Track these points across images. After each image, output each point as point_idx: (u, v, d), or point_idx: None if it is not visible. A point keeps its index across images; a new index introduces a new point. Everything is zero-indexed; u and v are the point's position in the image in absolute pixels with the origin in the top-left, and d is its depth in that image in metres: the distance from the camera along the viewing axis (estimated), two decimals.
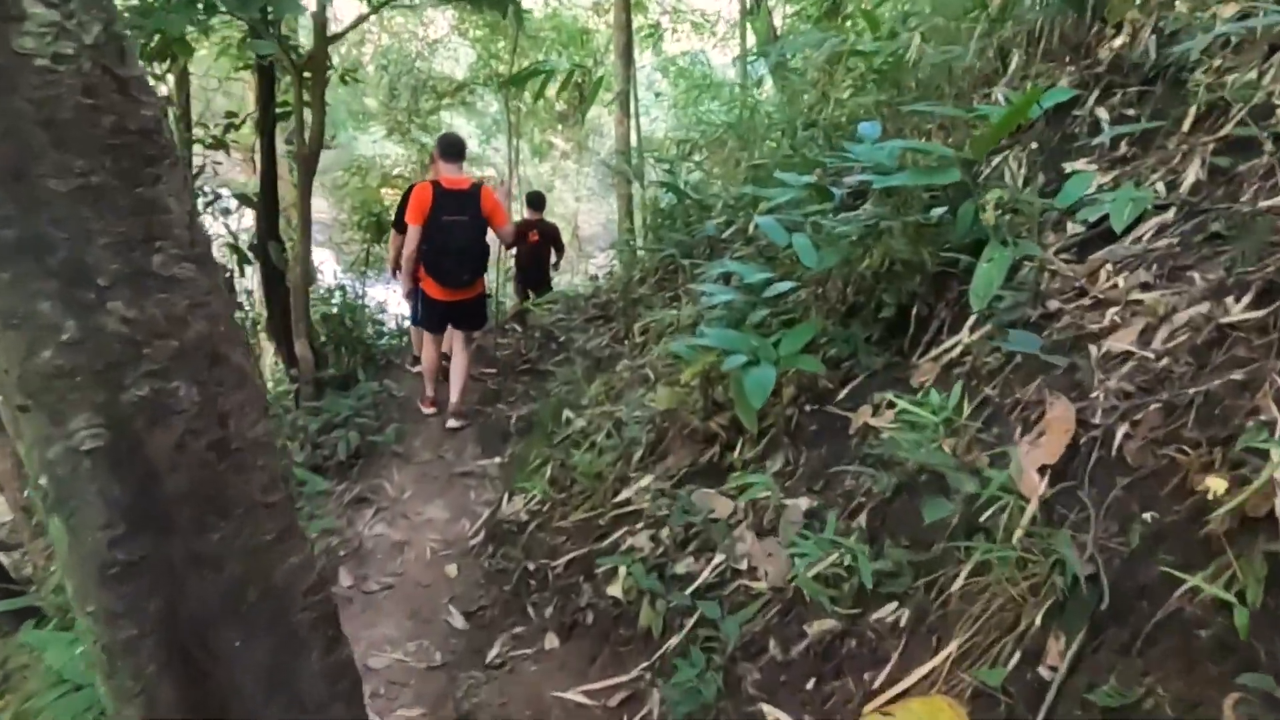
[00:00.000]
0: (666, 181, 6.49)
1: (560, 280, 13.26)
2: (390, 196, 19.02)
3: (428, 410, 6.10)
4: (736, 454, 3.57)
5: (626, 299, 6.38)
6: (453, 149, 5.70)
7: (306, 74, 6.13)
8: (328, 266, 12.31)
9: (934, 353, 3.16)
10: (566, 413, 4.94)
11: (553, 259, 8.95)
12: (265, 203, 7.07)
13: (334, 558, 4.24)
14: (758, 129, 6.70)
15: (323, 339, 7.73)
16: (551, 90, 18.85)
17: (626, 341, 6.01)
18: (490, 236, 5.78)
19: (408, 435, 5.72)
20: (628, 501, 3.69)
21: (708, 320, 3.87)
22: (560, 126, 17.18)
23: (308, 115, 6.19)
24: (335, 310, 7.57)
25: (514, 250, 8.68)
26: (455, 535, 4.53)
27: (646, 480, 3.72)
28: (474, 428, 5.79)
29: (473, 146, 20.60)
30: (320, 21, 6.14)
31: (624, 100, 13.79)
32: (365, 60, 15.38)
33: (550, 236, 8.78)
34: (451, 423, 5.85)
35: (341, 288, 10.06)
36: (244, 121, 7.21)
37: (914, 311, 3.30)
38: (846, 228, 3.46)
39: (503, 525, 4.23)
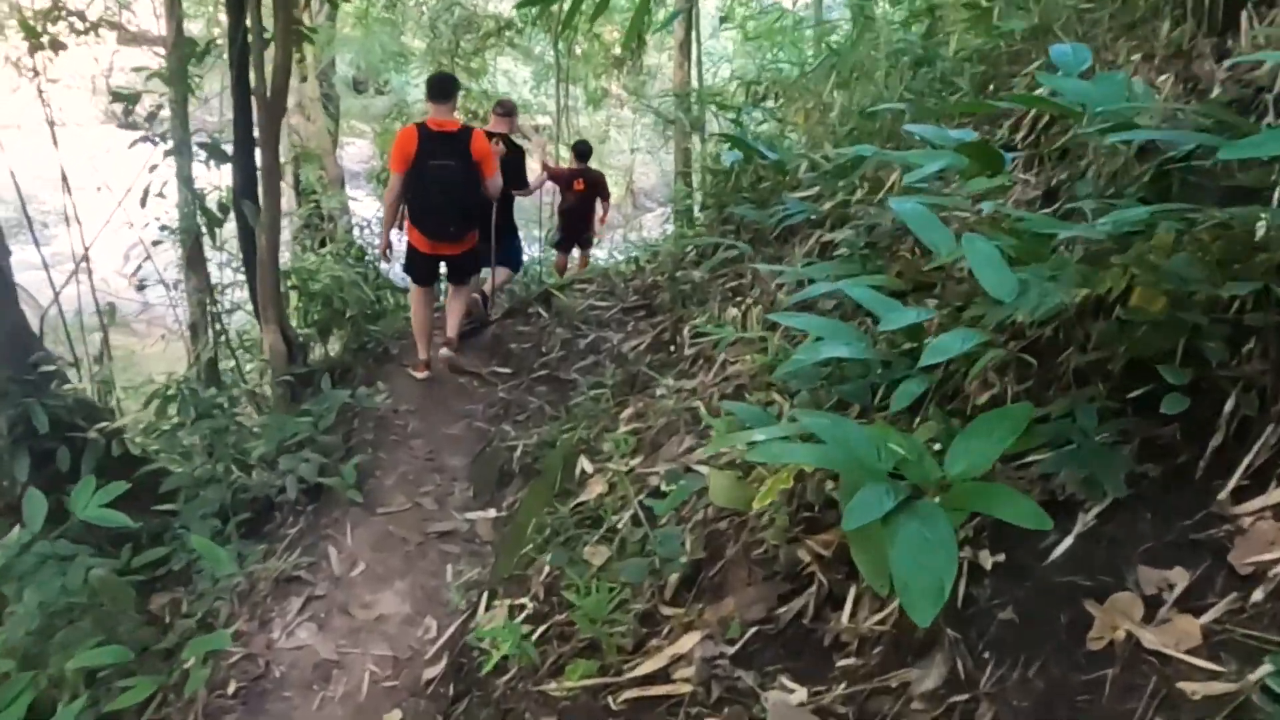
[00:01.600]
0: (731, 135, 4.81)
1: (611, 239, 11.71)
2: None
3: (419, 375, 5.27)
4: (846, 617, 1.98)
5: (675, 289, 4.77)
6: (440, 88, 5.02)
7: None
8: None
9: (1274, 496, 1.52)
10: (583, 463, 3.39)
11: (598, 211, 8.47)
12: (238, 151, 5.54)
13: (215, 698, 2.77)
14: (849, 69, 4.96)
15: (314, 318, 6.26)
16: (610, 33, 17.06)
17: (673, 347, 4.42)
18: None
19: (378, 468, 4.22)
20: (654, 677, 2.13)
21: (796, 372, 2.27)
22: (617, 72, 15.40)
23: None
24: (322, 284, 6.03)
25: (559, 200, 8.46)
26: (410, 653, 3.03)
27: (687, 642, 2.15)
28: (467, 463, 4.27)
29: (523, 92, 18.91)
30: None
31: (684, 41, 12.05)
32: None
33: (596, 185, 8.29)
34: (444, 351, 5.24)
35: (359, 251, 8.61)
36: (205, 50, 5.64)
37: (1221, 406, 1.65)
38: (1072, 230, 1.81)
39: (474, 656, 2.70)
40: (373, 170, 15.17)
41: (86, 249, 7.04)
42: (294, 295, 6.69)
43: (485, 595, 3.03)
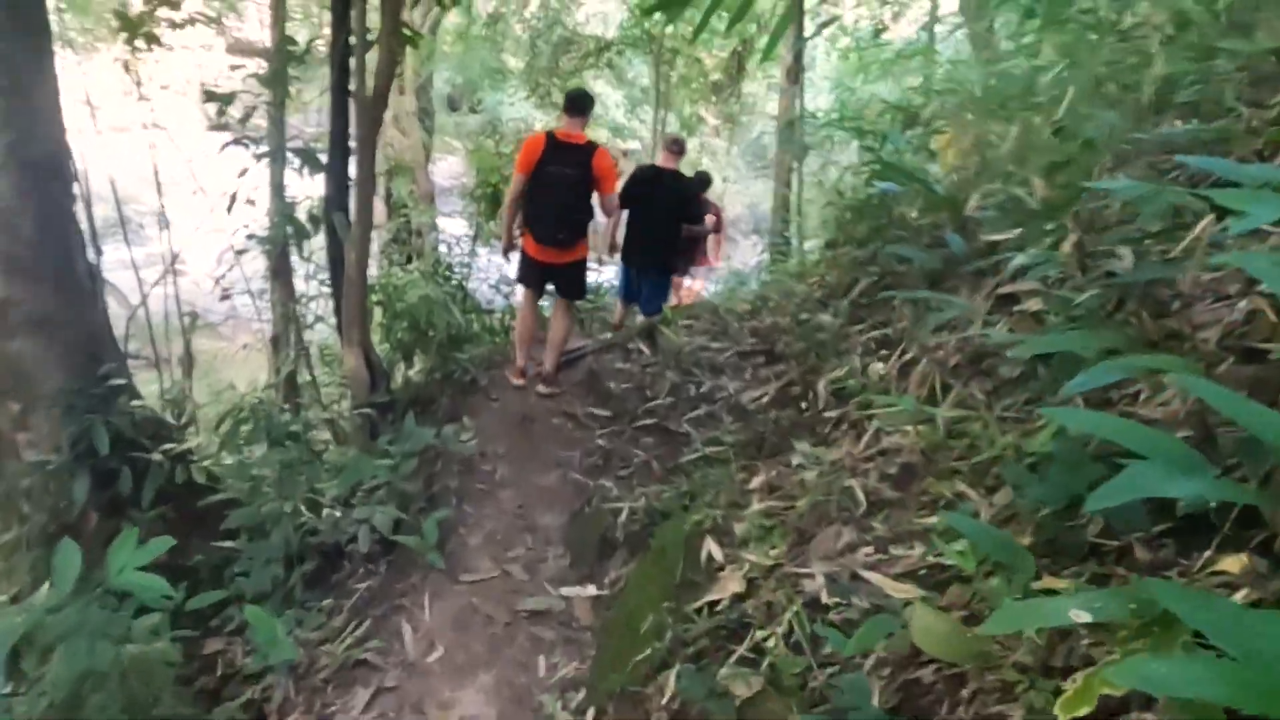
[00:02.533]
0: (886, 162, 4.16)
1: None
2: None
3: (515, 381, 5.26)
4: None
5: (804, 336, 4.12)
6: (575, 103, 5.03)
7: None
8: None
9: None
10: (709, 546, 2.76)
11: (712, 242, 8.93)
12: (333, 159, 5.09)
13: None
14: (1019, 94, 4.25)
15: (399, 338, 5.78)
16: (709, 58, 16.55)
17: (804, 404, 3.77)
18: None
19: (462, 524, 3.65)
20: None
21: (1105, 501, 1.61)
22: (714, 99, 14.86)
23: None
24: (408, 303, 5.53)
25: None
26: None
27: None
28: (562, 523, 3.67)
29: (617, 117, 18.53)
30: None
31: (792, 67, 11.43)
32: (508, 12, 13.42)
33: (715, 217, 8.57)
34: (541, 388, 5.12)
35: (445, 270, 8.15)
36: (307, 49, 5.21)
37: None
38: None
39: None
40: (464, 187, 14.89)
41: (175, 254, 6.74)
42: (378, 311, 6.28)
43: (592, 715, 2.41)
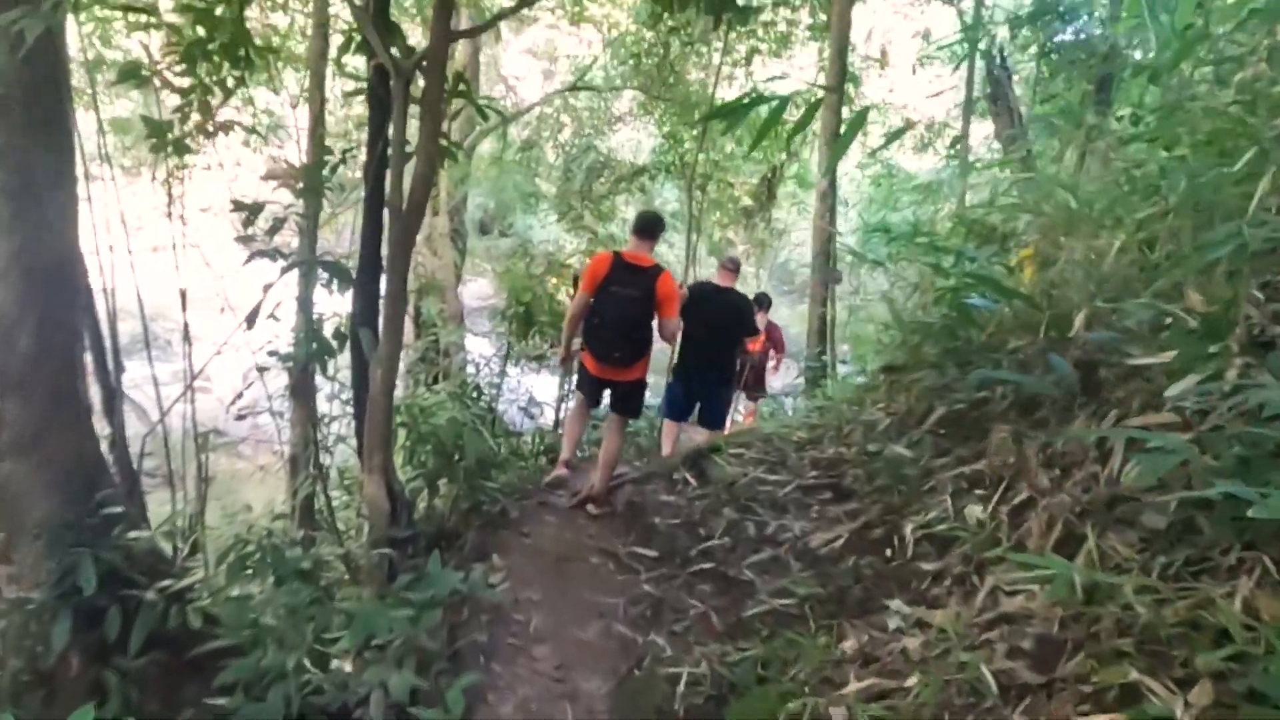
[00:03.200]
0: (981, 276, 3.74)
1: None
2: (555, 286, 17.19)
3: (559, 472, 5.23)
4: None
5: (880, 469, 3.62)
6: (645, 225, 5.09)
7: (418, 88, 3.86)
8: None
9: None
10: None
11: (771, 361, 8.97)
12: (363, 273, 4.77)
13: None
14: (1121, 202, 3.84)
15: (424, 463, 5.32)
16: (740, 185, 16.64)
17: (890, 550, 3.23)
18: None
19: (491, 688, 3.07)
20: None
21: None
22: (745, 222, 14.80)
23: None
24: (436, 427, 5.10)
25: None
26: None
27: None
28: (608, 690, 3.08)
29: None
30: (443, 8, 3.88)
31: (827, 193, 11.30)
32: (542, 138, 13.53)
33: (775, 339, 8.80)
34: (590, 508, 4.87)
35: (474, 390, 7.76)
36: (343, 160, 4.96)
37: None
38: None
39: None
40: (493, 309, 14.72)
41: (195, 372, 6.40)
42: (402, 433, 5.89)
43: None
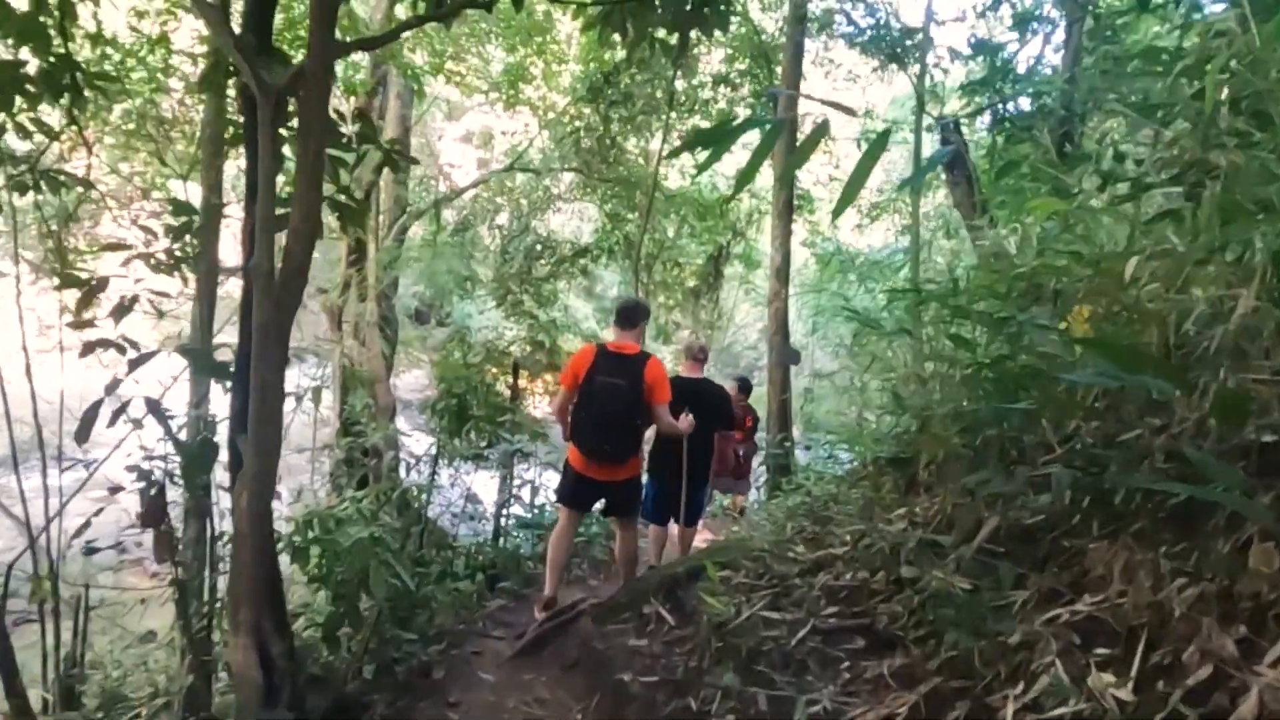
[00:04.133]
0: (1095, 342, 2.79)
1: None
2: (494, 376, 16.08)
3: (539, 614, 4.63)
4: None
5: (941, 609, 2.59)
6: (625, 314, 4.80)
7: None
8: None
9: None
10: None
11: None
12: (240, 365, 3.63)
13: None
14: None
15: (325, 593, 4.13)
16: (687, 269, 15.87)
17: None
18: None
19: None
20: None
21: None
22: (692, 304, 14.00)
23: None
24: (344, 552, 3.92)
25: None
26: None
27: None
28: None
29: (591, 325, 17.67)
30: (323, 13, 2.89)
31: (781, 268, 10.55)
32: (476, 218, 12.61)
33: (757, 425, 7.95)
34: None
35: (399, 496, 6.62)
36: (206, 220, 3.86)
37: None
38: None
39: None
40: (426, 400, 13.52)
41: (62, 503, 5.20)
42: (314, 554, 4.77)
43: None
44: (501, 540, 6.63)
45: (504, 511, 6.68)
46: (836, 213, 2.50)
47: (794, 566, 3.70)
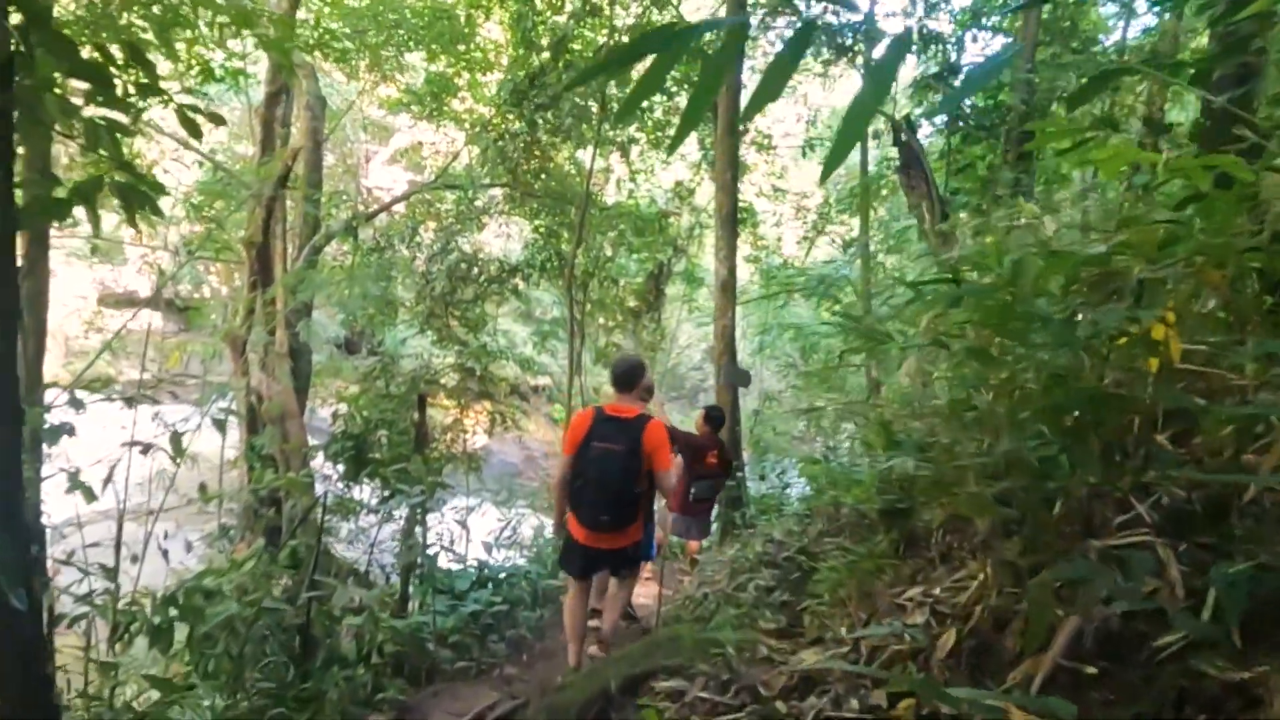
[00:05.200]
0: None
1: None
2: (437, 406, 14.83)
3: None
4: None
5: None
6: (622, 376, 4.42)
7: None
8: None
9: None
10: None
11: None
12: None
13: None
14: None
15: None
16: (625, 287, 14.80)
17: None
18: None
19: None
20: None
21: None
22: (633, 325, 12.97)
23: None
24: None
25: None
26: None
27: None
28: None
29: (526, 350, 16.53)
30: None
31: (727, 282, 9.57)
32: (395, 235, 11.41)
33: (728, 462, 6.83)
34: (592, 649, 4.60)
35: (291, 556, 5.54)
36: None
37: None
38: None
39: None
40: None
41: None
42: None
43: None
44: (407, 608, 5.45)
45: (412, 575, 5.50)
46: (827, 170, 1.49)
47: (772, 675, 2.63)
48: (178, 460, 5.59)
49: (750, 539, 5.73)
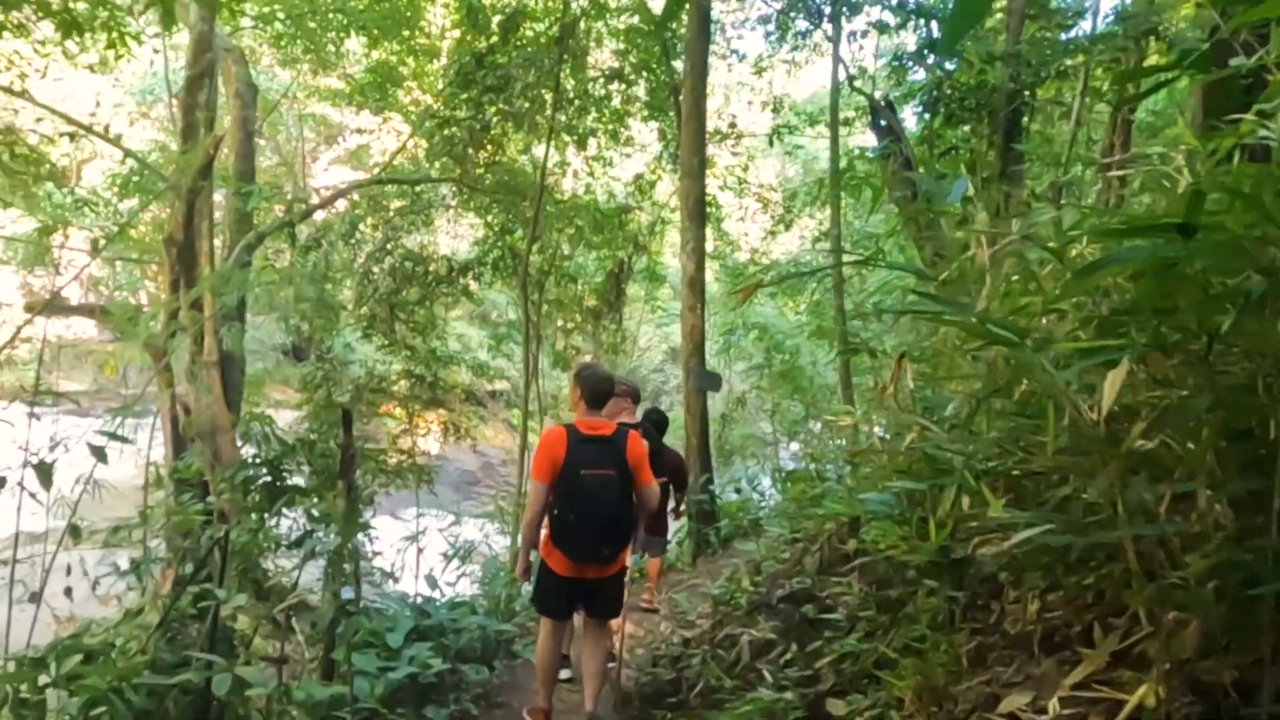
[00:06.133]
0: None
1: None
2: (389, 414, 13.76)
3: None
4: None
5: None
6: (595, 396, 3.88)
7: None
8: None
9: None
10: None
11: (671, 503, 6.09)
12: None
13: None
14: None
15: None
16: (583, 286, 13.86)
17: None
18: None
19: None
20: None
21: None
22: (593, 326, 12.07)
23: None
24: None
25: None
26: None
27: None
28: None
29: (481, 355, 15.57)
30: None
31: (695, 278, 8.73)
32: (334, 233, 10.36)
33: (677, 470, 6.17)
34: None
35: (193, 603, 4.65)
36: None
37: None
38: None
39: None
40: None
41: None
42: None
43: None
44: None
45: (336, 631, 4.53)
46: (950, 41, 0.58)
47: None
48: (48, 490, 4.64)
49: (735, 571, 4.88)
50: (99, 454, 4.70)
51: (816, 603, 3.55)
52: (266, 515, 4.96)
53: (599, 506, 3.70)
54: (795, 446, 17.71)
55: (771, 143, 11.17)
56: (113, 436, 4.70)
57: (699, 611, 4.81)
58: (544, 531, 3.84)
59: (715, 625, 4.15)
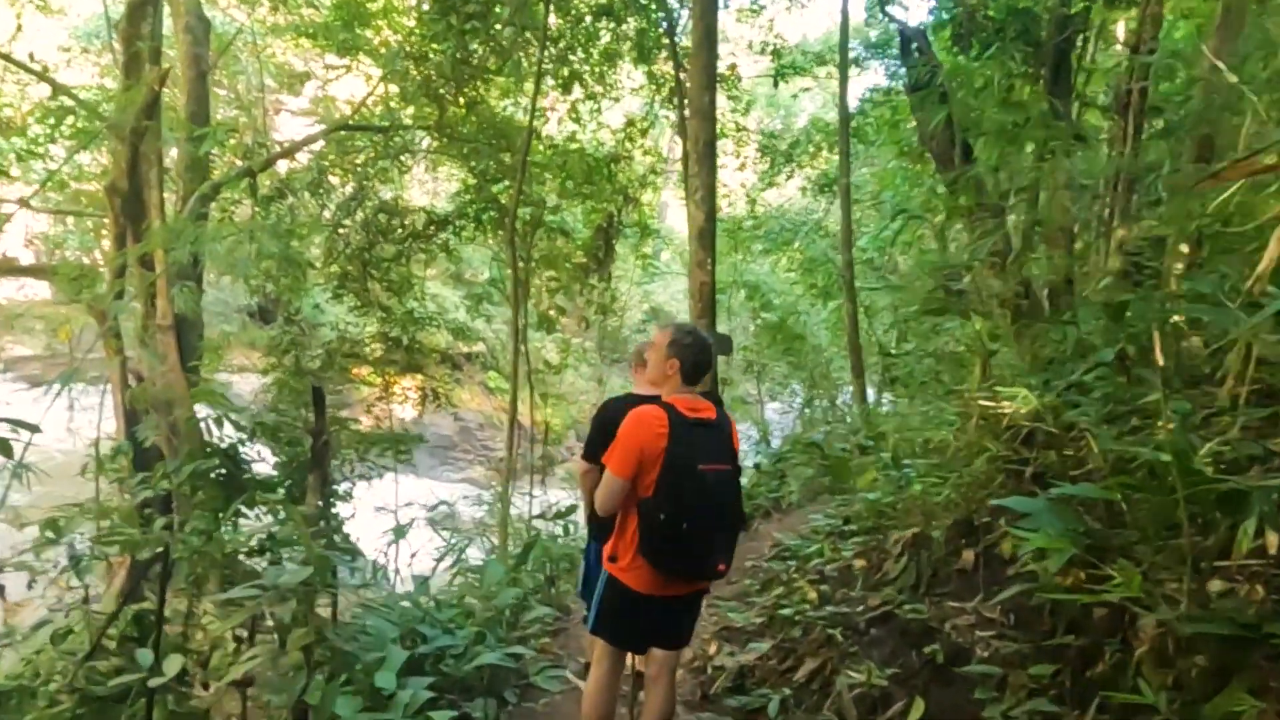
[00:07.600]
0: None
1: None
2: (360, 378, 12.70)
3: None
4: None
5: None
6: (699, 366, 2.86)
7: None
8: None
9: None
10: None
11: None
12: None
13: None
14: None
15: None
16: (569, 247, 12.75)
17: None
18: None
19: None
20: None
21: None
22: (580, 286, 11.05)
23: None
24: None
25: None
26: None
27: None
28: None
29: (459, 315, 14.50)
30: None
31: (705, 229, 7.76)
32: (299, 183, 9.19)
33: None
34: None
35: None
36: None
37: None
38: None
39: None
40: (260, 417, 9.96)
41: None
42: None
43: None
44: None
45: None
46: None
47: None
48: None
49: (792, 576, 3.99)
50: (3, 447, 3.70)
51: (939, 639, 2.68)
52: (222, 515, 4.00)
53: (718, 511, 2.81)
54: (776, 405, 16.97)
55: (776, 84, 10.14)
56: (19, 424, 3.70)
57: (748, 620, 3.94)
58: (613, 541, 2.91)
59: (784, 654, 3.27)
